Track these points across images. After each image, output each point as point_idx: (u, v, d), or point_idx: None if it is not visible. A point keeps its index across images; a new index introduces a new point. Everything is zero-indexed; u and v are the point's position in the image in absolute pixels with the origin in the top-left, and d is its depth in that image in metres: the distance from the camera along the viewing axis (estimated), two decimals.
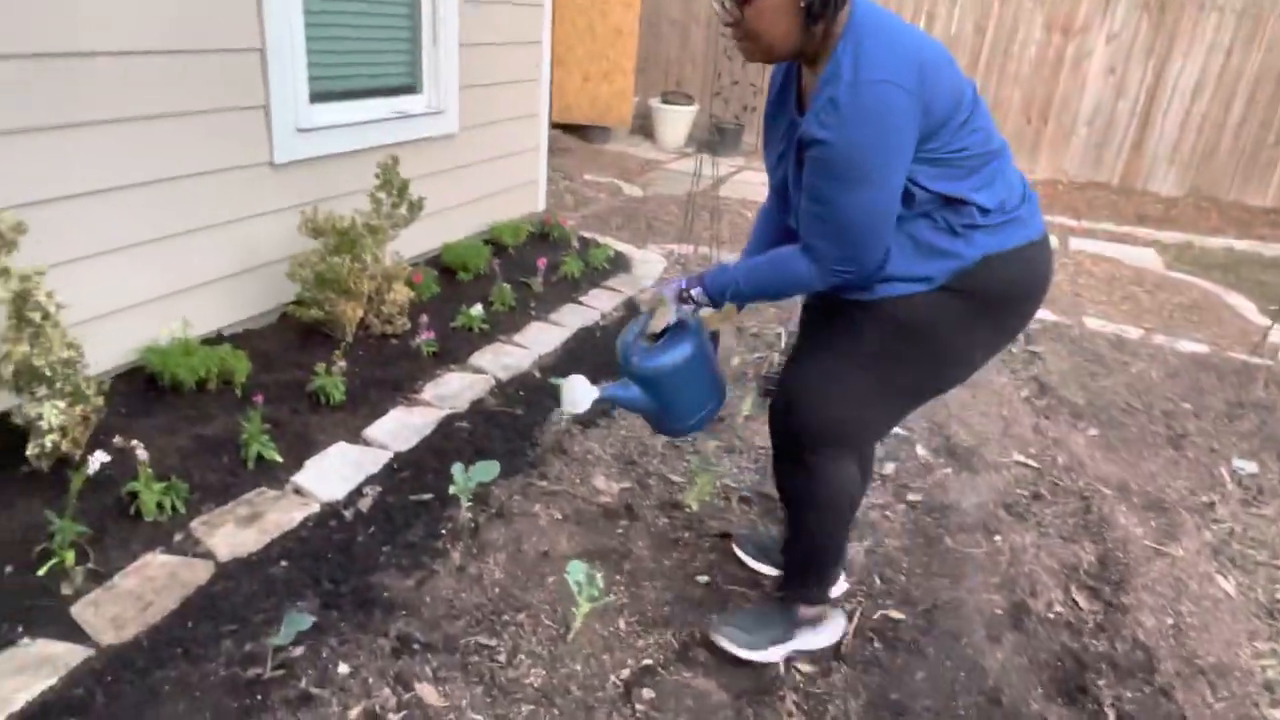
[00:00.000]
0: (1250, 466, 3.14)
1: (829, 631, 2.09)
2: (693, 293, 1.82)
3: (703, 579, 2.29)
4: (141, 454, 2.21)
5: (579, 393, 1.93)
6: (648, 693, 1.91)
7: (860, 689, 2.01)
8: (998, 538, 2.65)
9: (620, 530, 2.47)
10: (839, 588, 2.29)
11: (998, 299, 1.72)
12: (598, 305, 4.21)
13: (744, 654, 2.00)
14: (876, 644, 2.16)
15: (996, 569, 2.51)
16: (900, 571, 2.45)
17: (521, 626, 2.05)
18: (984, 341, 1.81)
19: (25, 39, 2.33)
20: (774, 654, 2.02)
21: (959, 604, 2.33)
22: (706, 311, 1.89)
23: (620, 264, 4.86)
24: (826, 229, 1.59)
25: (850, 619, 2.22)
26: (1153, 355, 4.25)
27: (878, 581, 2.39)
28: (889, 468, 2.96)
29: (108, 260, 2.68)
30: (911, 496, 2.83)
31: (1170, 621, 2.35)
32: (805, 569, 2.04)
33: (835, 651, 2.11)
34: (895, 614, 2.27)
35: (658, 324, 1.89)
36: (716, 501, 2.67)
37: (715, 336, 2.08)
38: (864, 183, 1.53)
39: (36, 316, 2.16)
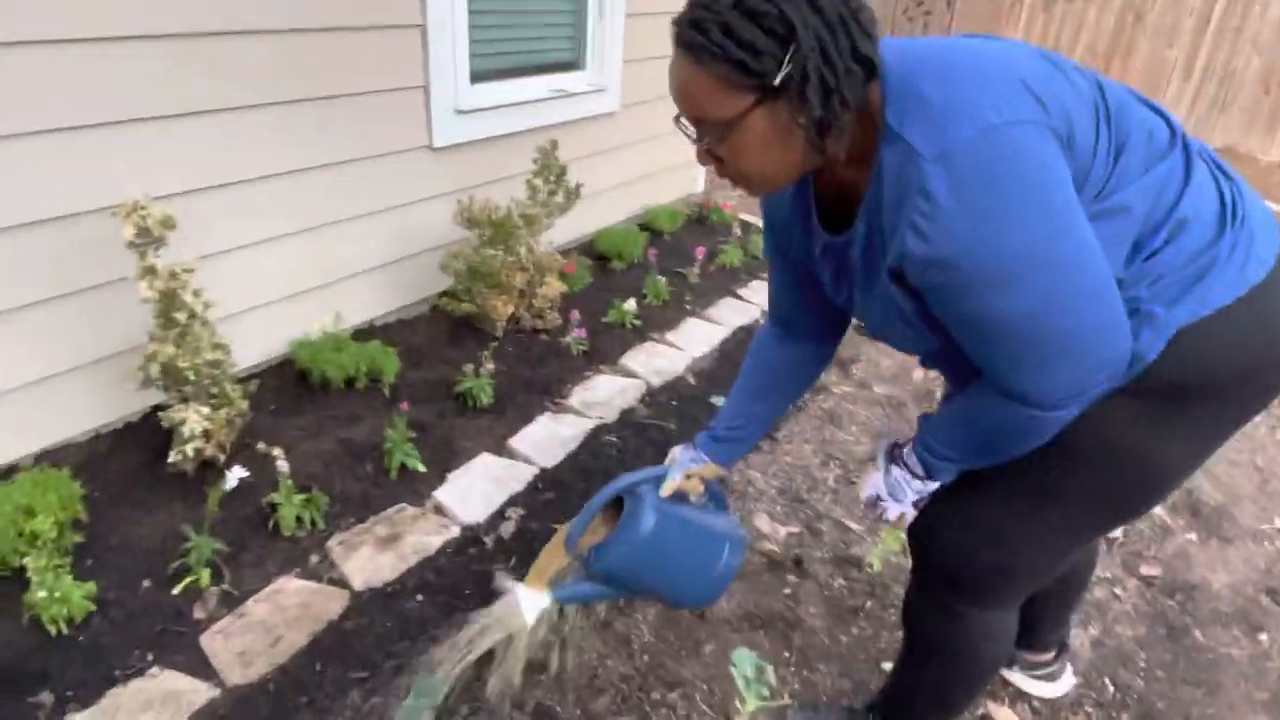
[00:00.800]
0: None
1: None
2: (904, 453, 1.31)
3: (888, 666, 1.92)
4: (282, 465, 2.09)
5: (522, 605, 1.42)
6: None
7: None
8: (1263, 636, 2.11)
9: (788, 591, 2.13)
10: (1063, 686, 1.86)
11: (1208, 386, 1.11)
12: (757, 300, 3.84)
13: None
14: None
15: (1264, 680, 1.98)
16: (1138, 674, 1.98)
17: (674, 710, 1.76)
18: (1200, 443, 1.18)
19: (178, 18, 2.21)
20: None
21: None
22: (672, 485, 1.43)
23: None
24: (1035, 356, 1.02)
25: None
26: None
27: (1109, 687, 1.93)
28: (1116, 530, 2.44)
29: (259, 252, 2.59)
30: (1146, 570, 2.32)
31: None
32: (914, 712, 1.59)
33: None
34: None
35: (665, 490, 1.43)
36: (903, 560, 2.27)
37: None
38: (1051, 272, 0.96)
39: (183, 316, 2.06)
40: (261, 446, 2.15)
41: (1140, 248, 1.07)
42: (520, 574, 2.06)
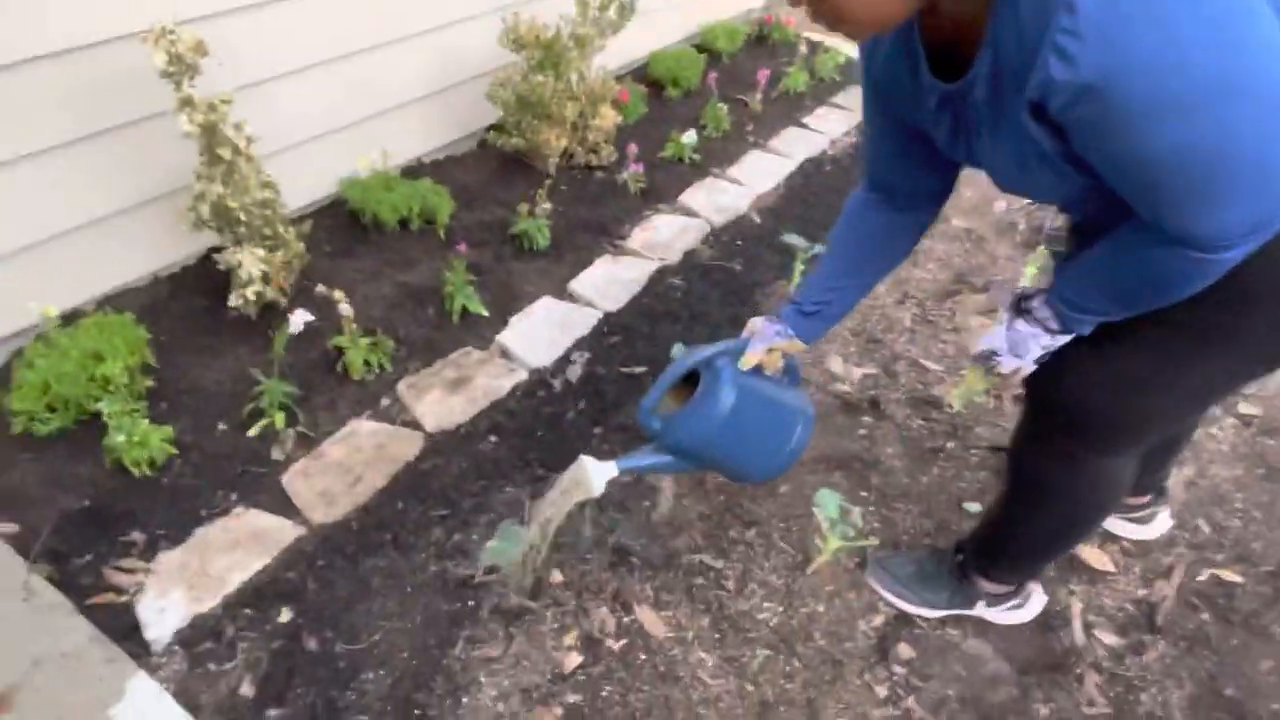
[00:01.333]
0: None
1: (1027, 610, 1.63)
2: (1034, 305, 1.18)
3: (972, 507, 1.87)
4: (345, 309, 2.03)
5: (591, 476, 1.40)
6: (906, 650, 1.58)
7: (1183, 675, 1.58)
8: None
9: (864, 432, 2.06)
10: (1158, 528, 1.80)
11: None
12: (825, 129, 3.57)
13: (899, 605, 1.65)
14: (1204, 615, 1.68)
15: None
16: (1234, 514, 1.91)
17: (752, 548, 1.75)
18: None
19: None
20: (932, 614, 1.64)
21: None
22: (754, 358, 1.38)
23: (851, 74, 4.09)
24: (1207, 194, 0.86)
25: (1170, 576, 1.74)
26: None
27: (1204, 528, 1.87)
28: None
29: (295, 82, 2.41)
30: (1245, 409, 2.20)
31: None
32: (1008, 558, 1.55)
33: (1150, 622, 1.66)
34: (1229, 575, 1.76)
35: (746, 363, 1.39)
36: (986, 402, 2.17)
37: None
38: (1229, 95, 0.78)
39: (227, 153, 1.94)
40: (321, 289, 2.09)
41: None
42: (590, 417, 2.03)
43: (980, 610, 1.63)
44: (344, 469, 1.86)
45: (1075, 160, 0.93)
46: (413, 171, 2.86)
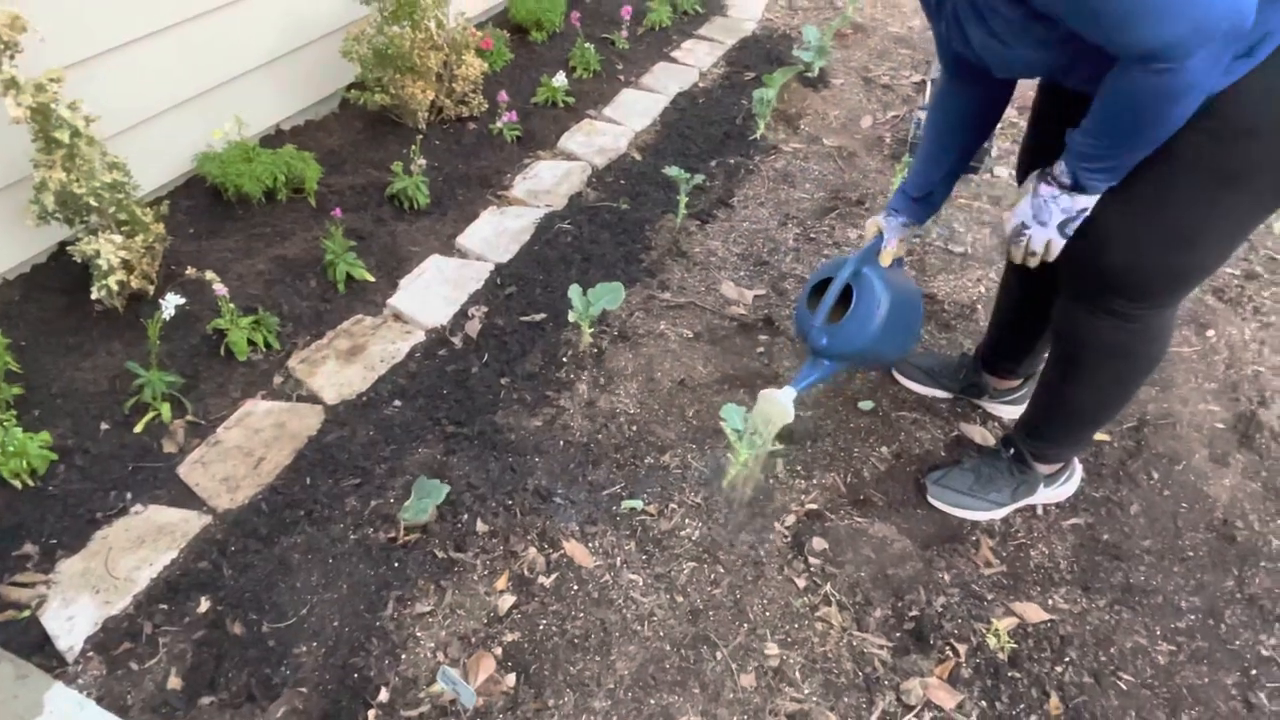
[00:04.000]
0: None
1: (1072, 483, 1.77)
2: (1053, 168, 1.29)
3: (865, 405, 1.98)
4: (220, 288, 1.94)
5: (783, 403, 1.53)
6: (819, 542, 1.68)
7: (1065, 528, 1.74)
8: (1210, 333, 2.23)
9: (761, 350, 2.14)
10: (1019, 406, 1.96)
11: None
12: (694, 62, 3.58)
13: (969, 516, 1.73)
14: (1080, 471, 1.85)
15: (1213, 372, 2.11)
16: None
17: (669, 471, 1.81)
18: None
19: None
20: (1001, 514, 1.74)
21: (1172, 418, 1.98)
22: (892, 252, 1.59)
23: (714, 5, 4.11)
24: (1143, 6, 0.98)
25: None
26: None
27: None
28: None
29: (133, 53, 2.24)
30: None
31: None
32: (1064, 433, 1.66)
33: None
34: (1099, 435, 1.94)
35: (886, 258, 1.59)
36: None
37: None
38: None
39: (64, 135, 1.80)
40: (191, 272, 1.99)
41: None
42: (496, 370, 2.03)
43: (985, 401, 1.81)
44: (244, 452, 1.80)
45: (1039, 18, 1.07)
46: (273, 140, 2.72)
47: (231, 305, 1.99)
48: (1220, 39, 1.00)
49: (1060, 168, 1.27)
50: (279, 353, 2.05)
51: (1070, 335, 1.49)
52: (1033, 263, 1.40)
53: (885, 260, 1.58)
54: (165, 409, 1.84)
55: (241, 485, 1.74)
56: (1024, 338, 1.82)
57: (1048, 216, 1.32)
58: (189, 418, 1.87)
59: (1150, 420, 1.97)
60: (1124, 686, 1.47)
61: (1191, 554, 1.70)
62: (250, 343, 2.02)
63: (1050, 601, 1.60)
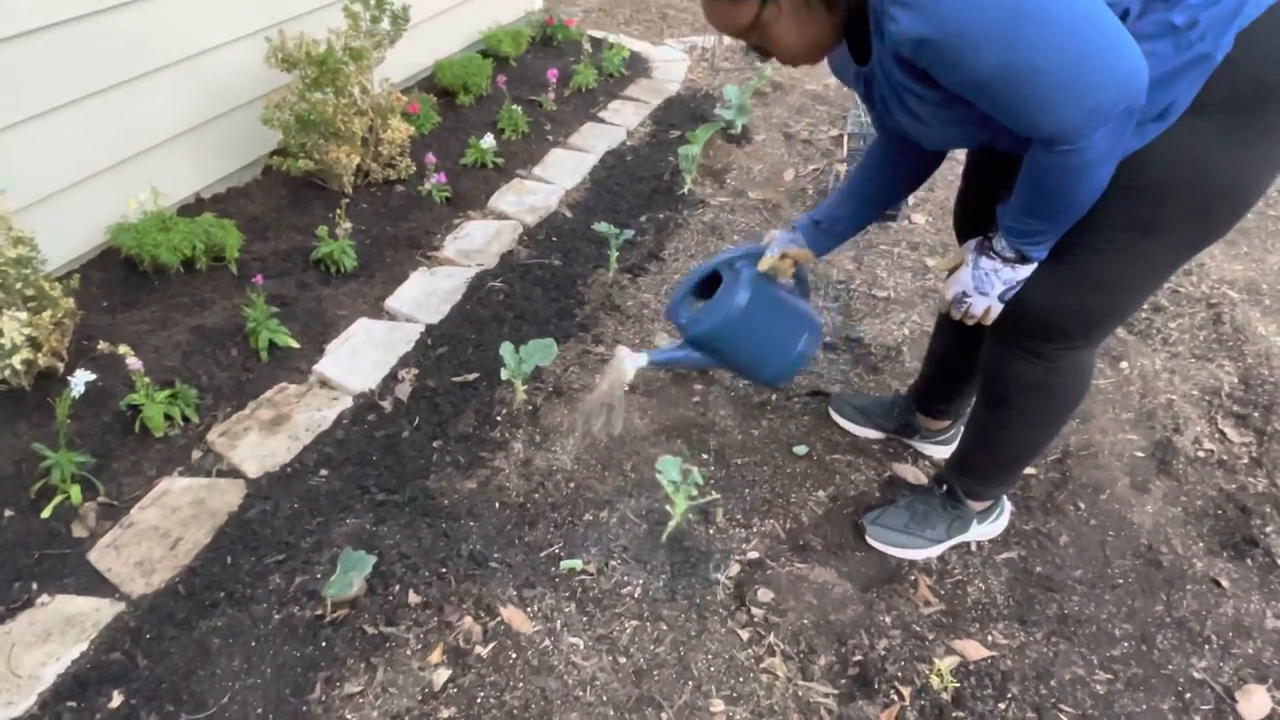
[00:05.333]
0: None
1: (1003, 518, 1.80)
2: (994, 240, 1.34)
3: (800, 449, 2.00)
4: (133, 362, 1.87)
5: (625, 364, 1.58)
6: (764, 593, 1.66)
7: (1000, 565, 1.76)
8: (1124, 364, 2.32)
9: (697, 399, 2.15)
10: (950, 446, 2.00)
11: (1265, 90, 1.12)
12: (621, 121, 3.66)
13: (908, 555, 1.75)
14: (1009, 508, 1.88)
15: (1128, 402, 2.19)
16: None
17: (608, 529, 1.78)
18: (1275, 155, 1.20)
19: None
20: (937, 551, 1.76)
21: (1094, 449, 2.04)
22: (770, 260, 1.61)
23: (638, 67, 4.23)
24: (1039, 98, 1.05)
25: None
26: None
27: None
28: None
29: (48, 122, 2.19)
30: None
31: None
32: (995, 470, 1.69)
33: None
34: (1025, 470, 1.98)
35: (763, 265, 1.61)
36: None
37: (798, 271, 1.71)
38: (1020, 20, 1.00)
39: None
40: (104, 346, 1.91)
41: None
42: (428, 433, 1.99)
43: (917, 442, 1.85)
44: (160, 533, 1.72)
45: (954, 99, 1.14)
46: (192, 208, 2.67)
47: (146, 379, 1.91)
48: (1117, 118, 1.06)
49: (1001, 244, 1.32)
50: (198, 426, 1.97)
51: (996, 376, 1.54)
52: (969, 322, 1.44)
53: (761, 266, 1.59)
54: (75, 491, 1.75)
55: (157, 568, 1.65)
56: (955, 380, 1.86)
57: (989, 288, 1.37)
58: (101, 499, 1.77)
59: (1073, 452, 2.03)
60: (1065, 719, 1.48)
61: (1121, 581, 1.73)
62: (167, 417, 1.94)
63: (989, 637, 1.61)
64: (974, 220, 1.59)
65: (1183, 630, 1.64)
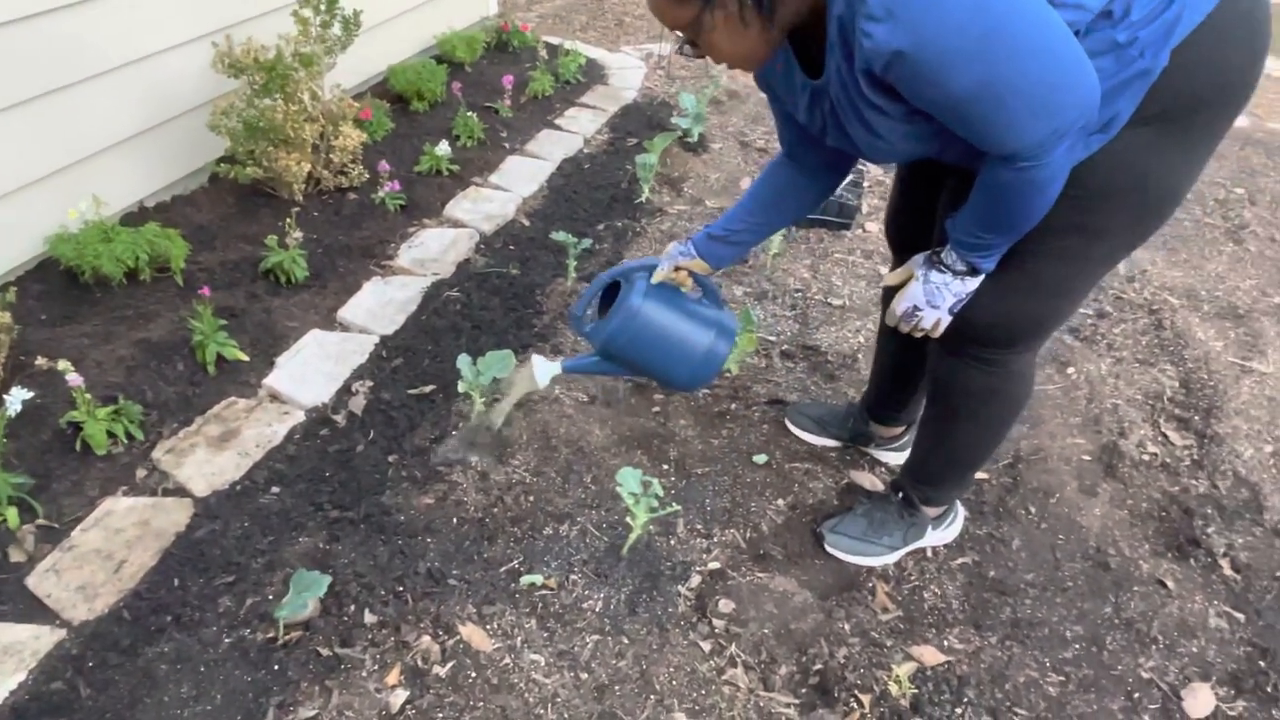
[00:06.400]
0: None
1: (957, 523, 1.84)
2: (943, 254, 1.36)
3: (760, 459, 2.01)
4: (74, 378, 1.80)
5: (538, 372, 1.67)
6: (725, 604, 1.67)
7: (955, 570, 1.79)
8: (1070, 369, 2.38)
9: (657, 409, 2.15)
10: (905, 453, 2.03)
11: (1212, 98, 1.19)
12: (578, 129, 3.65)
13: (865, 563, 1.77)
14: (963, 513, 1.92)
15: (1075, 407, 2.25)
16: None
17: (568, 543, 1.77)
18: (1203, 158, 1.29)
19: None
20: (894, 558, 1.78)
21: (1043, 453, 2.09)
22: (662, 274, 1.63)
23: (594, 74, 4.22)
24: (1004, 118, 1.08)
25: None
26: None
27: None
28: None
29: None
30: None
31: (1269, 449, 2.14)
32: (947, 475, 1.72)
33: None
34: (977, 474, 2.02)
35: (656, 277, 1.64)
36: (759, 361, 2.34)
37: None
38: (991, 41, 1.02)
39: None
40: (42, 362, 1.84)
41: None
42: (383, 447, 1.96)
43: (872, 449, 1.89)
44: (103, 555, 1.66)
45: (917, 114, 1.15)
46: (136, 218, 2.59)
47: (88, 395, 1.84)
48: (1074, 134, 1.11)
49: (951, 257, 1.35)
50: (143, 444, 1.91)
51: (945, 385, 1.57)
52: (918, 335, 1.47)
53: (654, 279, 1.63)
54: (12, 514, 1.68)
55: (100, 593, 1.59)
56: (903, 388, 1.89)
57: (940, 301, 1.39)
58: (40, 521, 1.71)
59: (1024, 457, 2.07)
60: None
61: (1071, 584, 1.77)
62: (110, 435, 1.87)
63: (945, 642, 1.63)
64: (908, 232, 1.64)
65: (1131, 631, 1.68)
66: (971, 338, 1.45)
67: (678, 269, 1.63)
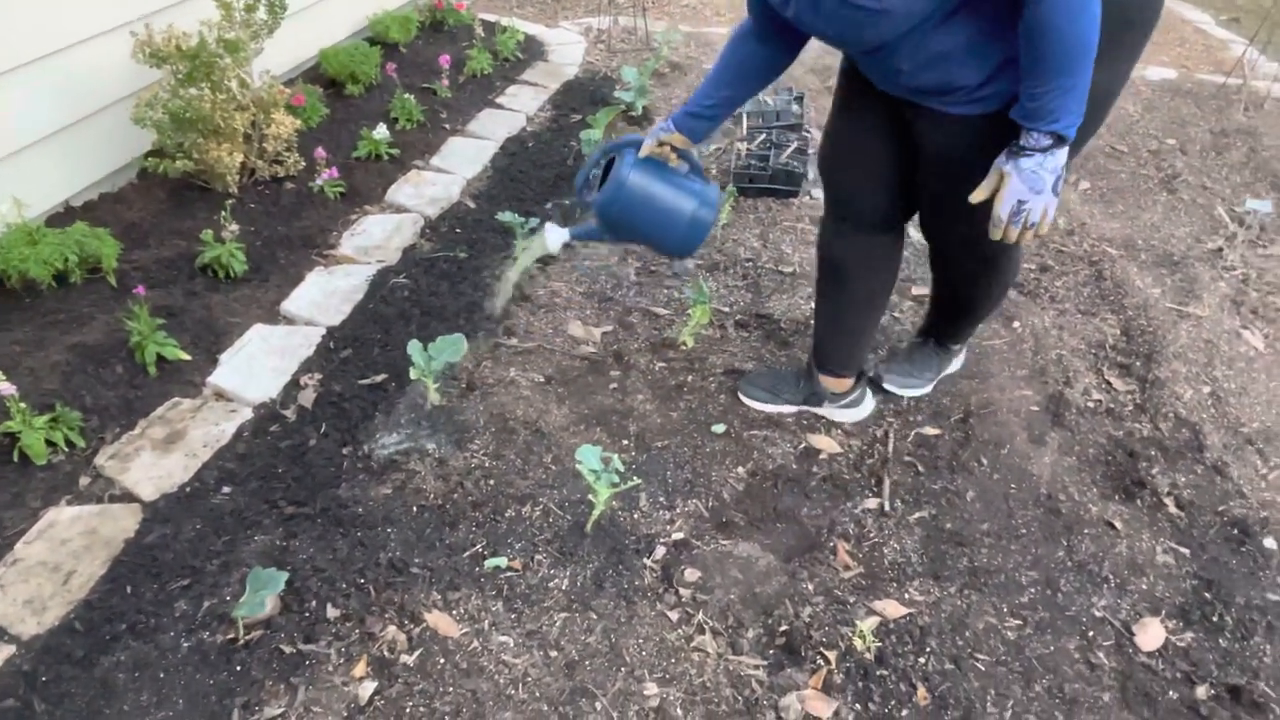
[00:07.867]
0: (1265, 206, 2.95)
1: (860, 408, 2.07)
2: (1022, 140, 1.38)
3: (718, 428, 2.02)
4: (6, 387, 1.73)
5: (550, 238, 1.85)
6: (691, 573, 1.68)
7: (913, 525, 1.83)
8: (1016, 323, 2.43)
9: (614, 385, 2.14)
10: (867, 408, 2.06)
11: (1136, 20, 1.44)
12: (520, 107, 3.60)
13: (765, 409, 2.07)
14: (920, 469, 1.95)
15: (1022, 360, 2.30)
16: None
17: (531, 523, 1.76)
18: (1130, 64, 1.54)
19: None
20: (790, 409, 2.07)
21: (993, 406, 2.13)
22: (648, 148, 1.75)
23: (534, 50, 4.16)
24: None
25: (885, 443, 2.00)
26: (1125, 88, 3.93)
27: (901, 396, 2.16)
28: None
29: None
30: (917, 290, 2.56)
31: (1208, 390, 2.21)
32: (967, 321, 2.05)
33: (877, 482, 1.90)
34: (930, 430, 2.06)
35: (643, 152, 1.77)
36: (712, 333, 2.34)
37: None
38: None
39: None
40: None
41: None
42: (337, 440, 1.92)
43: (826, 409, 2.02)
44: (49, 568, 1.60)
45: None
46: (62, 218, 2.49)
47: (23, 404, 1.78)
48: None
49: (1032, 138, 1.36)
50: (84, 451, 1.85)
51: (977, 283, 1.90)
52: (1028, 237, 1.47)
53: (641, 154, 1.75)
54: None
55: (49, 605, 1.54)
56: (848, 335, 1.95)
57: (1042, 184, 1.39)
58: None
59: (974, 411, 2.11)
60: (982, 667, 1.55)
61: (1024, 531, 1.82)
62: (49, 443, 1.81)
63: (906, 595, 1.67)
64: (843, 159, 1.78)
65: (1083, 573, 1.74)
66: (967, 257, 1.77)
67: (661, 144, 1.74)
